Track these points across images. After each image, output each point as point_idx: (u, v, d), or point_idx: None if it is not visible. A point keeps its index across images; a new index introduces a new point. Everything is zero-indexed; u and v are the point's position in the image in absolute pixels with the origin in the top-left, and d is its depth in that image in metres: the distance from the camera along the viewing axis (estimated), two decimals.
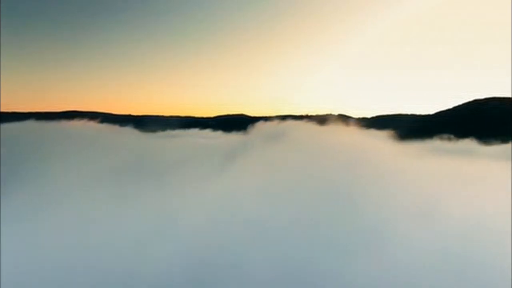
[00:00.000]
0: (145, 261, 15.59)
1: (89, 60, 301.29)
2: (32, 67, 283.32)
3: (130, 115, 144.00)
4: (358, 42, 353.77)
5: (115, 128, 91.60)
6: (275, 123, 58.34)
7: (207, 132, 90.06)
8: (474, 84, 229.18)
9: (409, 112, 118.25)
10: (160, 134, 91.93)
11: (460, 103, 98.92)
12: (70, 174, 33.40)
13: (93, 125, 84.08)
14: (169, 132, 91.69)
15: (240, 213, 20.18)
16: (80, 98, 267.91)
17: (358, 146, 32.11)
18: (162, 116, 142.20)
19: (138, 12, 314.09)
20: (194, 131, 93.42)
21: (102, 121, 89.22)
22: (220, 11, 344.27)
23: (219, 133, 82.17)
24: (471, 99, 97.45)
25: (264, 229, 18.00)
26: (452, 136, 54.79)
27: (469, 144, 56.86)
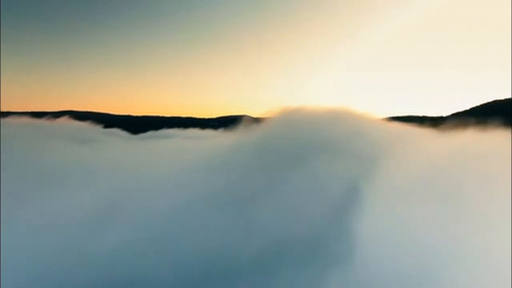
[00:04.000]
0: None
1: (89, 61, 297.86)
2: (31, 67, 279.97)
3: (129, 115, 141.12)
4: (364, 42, 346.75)
5: (111, 129, 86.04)
6: (289, 122, 48.31)
7: (207, 131, 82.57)
8: (480, 85, 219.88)
9: (420, 114, 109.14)
10: (157, 134, 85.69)
11: (478, 104, 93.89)
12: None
13: (90, 125, 79.00)
14: (164, 132, 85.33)
15: None
16: (80, 98, 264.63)
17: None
18: (162, 117, 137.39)
19: (139, 13, 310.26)
20: (193, 131, 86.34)
21: (100, 121, 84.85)
22: (226, 12, 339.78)
23: (219, 132, 74.74)
24: (489, 100, 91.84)
25: None
26: None
27: None
